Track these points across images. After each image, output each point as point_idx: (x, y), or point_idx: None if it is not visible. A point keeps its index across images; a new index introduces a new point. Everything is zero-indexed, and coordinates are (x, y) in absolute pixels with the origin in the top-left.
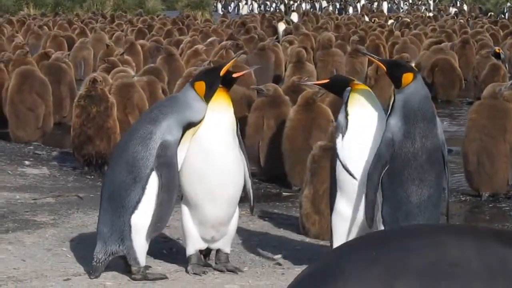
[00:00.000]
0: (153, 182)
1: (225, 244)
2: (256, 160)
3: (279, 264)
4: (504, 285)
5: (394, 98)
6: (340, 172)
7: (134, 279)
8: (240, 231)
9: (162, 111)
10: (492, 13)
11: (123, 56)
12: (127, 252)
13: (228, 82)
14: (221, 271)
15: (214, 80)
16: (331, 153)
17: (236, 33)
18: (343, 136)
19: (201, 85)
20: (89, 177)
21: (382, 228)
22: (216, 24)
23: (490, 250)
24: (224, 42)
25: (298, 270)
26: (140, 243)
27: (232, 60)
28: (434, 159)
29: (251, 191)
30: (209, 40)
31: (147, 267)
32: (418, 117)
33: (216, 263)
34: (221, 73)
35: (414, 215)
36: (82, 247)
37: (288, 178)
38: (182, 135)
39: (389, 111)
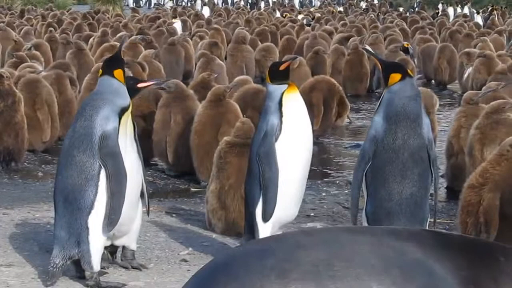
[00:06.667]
0: (105, 177)
1: (130, 241)
2: (164, 156)
3: (185, 261)
4: (401, 276)
5: (383, 96)
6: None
7: (87, 286)
8: (147, 227)
9: (94, 106)
10: (403, 8)
11: (31, 51)
12: (81, 256)
13: (132, 91)
14: (126, 268)
15: (123, 64)
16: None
17: (147, 28)
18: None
19: (120, 73)
20: None
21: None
22: (127, 19)
23: (384, 244)
24: (133, 37)
25: None
26: (96, 246)
27: (129, 40)
28: (417, 158)
29: (146, 194)
30: (118, 35)
31: (101, 272)
32: (401, 116)
33: (121, 259)
34: (121, 55)
35: (395, 213)
36: None
37: (196, 174)
38: (119, 122)
39: (376, 108)
